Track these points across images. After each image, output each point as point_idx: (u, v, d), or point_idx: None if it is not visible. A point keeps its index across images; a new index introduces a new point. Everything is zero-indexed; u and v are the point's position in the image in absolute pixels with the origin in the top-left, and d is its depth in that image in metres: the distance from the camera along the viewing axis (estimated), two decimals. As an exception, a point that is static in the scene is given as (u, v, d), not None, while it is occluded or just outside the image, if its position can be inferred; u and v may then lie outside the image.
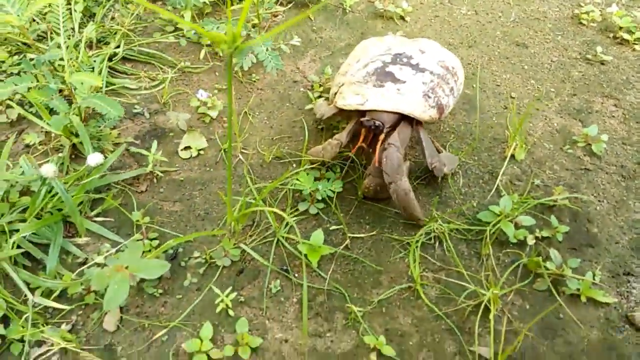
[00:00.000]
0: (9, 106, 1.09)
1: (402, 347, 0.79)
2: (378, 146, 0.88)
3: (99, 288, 0.73)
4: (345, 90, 0.93)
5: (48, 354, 0.77)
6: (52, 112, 1.01)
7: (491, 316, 0.78)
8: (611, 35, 1.38)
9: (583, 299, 0.84)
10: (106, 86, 1.15)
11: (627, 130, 1.13)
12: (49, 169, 0.77)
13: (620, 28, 1.36)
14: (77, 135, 1.01)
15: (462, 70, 1.00)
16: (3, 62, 1.18)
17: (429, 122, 0.92)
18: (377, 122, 0.87)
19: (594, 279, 0.85)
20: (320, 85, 1.20)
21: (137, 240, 0.89)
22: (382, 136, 0.88)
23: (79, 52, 1.14)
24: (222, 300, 0.83)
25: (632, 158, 1.07)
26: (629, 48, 1.35)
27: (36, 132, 1.06)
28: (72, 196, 0.88)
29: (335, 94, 0.97)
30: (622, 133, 1.13)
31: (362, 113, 0.92)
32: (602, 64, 1.30)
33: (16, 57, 1.20)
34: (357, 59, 0.99)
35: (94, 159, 0.87)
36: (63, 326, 0.80)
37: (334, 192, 0.94)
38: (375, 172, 0.89)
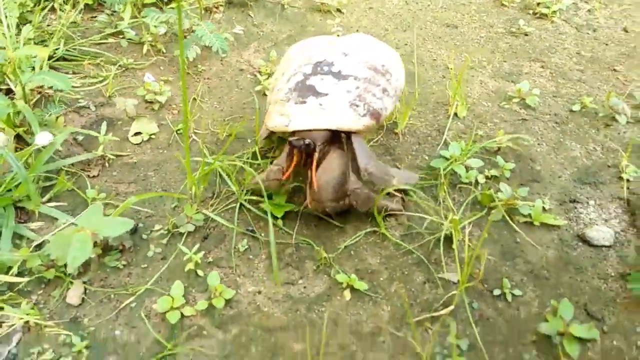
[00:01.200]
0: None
1: (373, 283, 0.80)
2: (313, 166, 0.80)
3: (58, 252, 0.70)
4: (272, 110, 0.87)
5: (9, 331, 0.73)
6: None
7: (455, 243, 0.81)
8: (531, 12, 1.51)
9: (536, 223, 0.89)
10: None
11: (555, 86, 1.23)
12: (42, 138, 0.74)
13: (539, 4, 1.49)
14: (19, 126, 0.98)
15: (397, 65, 0.93)
16: None
17: (365, 131, 0.85)
18: (307, 141, 0.80)
19: (543, 206, 0.90)
20: (267, 69, 1.23)
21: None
22: (315, 155, 0.81)
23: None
24: (190, 259, 0.81)
25: (563, 107, 1.16)
26: (547, 21, 1.47)
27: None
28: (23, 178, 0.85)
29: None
30: (552, 88, 1.22)
31: (293, 132, 0.85)
32: (526, 35, 1.41)
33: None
34: (282, 72, 0.93)
35: (43, 137, 0.86)
36: (23, 305, 0.76)
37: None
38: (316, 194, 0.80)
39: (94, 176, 0.98)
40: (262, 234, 0.87)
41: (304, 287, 0.80)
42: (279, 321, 0.75)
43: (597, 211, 0.93)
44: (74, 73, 1.20)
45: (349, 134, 0.85)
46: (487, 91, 1.21)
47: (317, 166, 0.80)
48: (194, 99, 1.15)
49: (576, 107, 1.15)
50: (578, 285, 0.80)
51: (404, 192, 0.90)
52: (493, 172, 0.96)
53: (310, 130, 0.82)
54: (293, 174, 0.86)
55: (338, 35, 1.06)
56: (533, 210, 0.89)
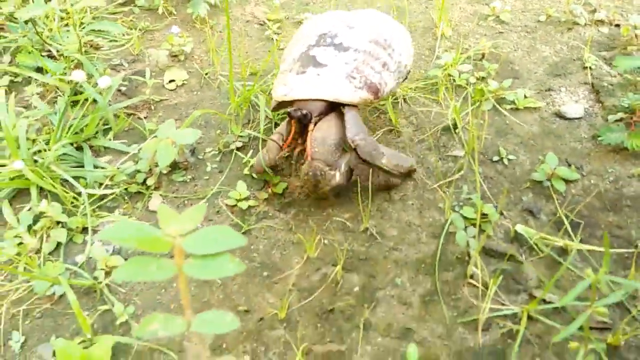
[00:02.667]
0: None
1: (397, 164, 0.98)
2: (309, 135, 0.84)
3: (149, 154, 0.87)
4: (276, 81, 0.90)
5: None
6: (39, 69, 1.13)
7: (459, 124, 1.00)
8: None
9: (520, 107, 1.08)
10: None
11: (523, 3, 1.41)
12: (79, 74, 0.90)
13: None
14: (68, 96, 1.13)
15: (402, 41, 0.93)
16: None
17: (362, 104, 0.87)
18: (304, 112, 0.82)
19: (525, 95, 1.10)
20: (273, 16, 1.39)
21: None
22: (311, 126, 0.84)
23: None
24: (246, 164, 0.99)
25: (531, 19, 1.35)
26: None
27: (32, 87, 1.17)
28: (90, 117, 1.00)
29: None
30: (520, 6, 1.41)
31: (292, 103, 0.88)
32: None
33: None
34: (293, 43, 0.95)
35: (104, 81, 1.01)
36: (116, 213, 0.92)
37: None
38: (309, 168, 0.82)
39: (144, 117, 1.14)
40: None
41: (341, 176, 0.98)
42: (324, 202, 0.93)
43: (568, 95, 1.12)
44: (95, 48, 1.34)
45: (345, 105, 0.86)
46: (466, 14, 1.39)
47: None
48: (213, 49, 1.31)
49: (542, 18, 1.34)
50: (559, 147, 1.00)
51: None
52: (481, 73, 1.15)
53: (308, 100, 0.84)
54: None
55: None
56: (517, 98, 1.08)
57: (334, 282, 0.81)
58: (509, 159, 0.98)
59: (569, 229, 0.84)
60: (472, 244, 0.81)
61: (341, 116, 0.86)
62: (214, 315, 0.57)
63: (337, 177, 0.82)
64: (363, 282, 0.80)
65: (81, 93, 1.11)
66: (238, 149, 1.04)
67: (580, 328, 0.58)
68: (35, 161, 0.95)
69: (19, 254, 0.84)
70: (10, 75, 1.21)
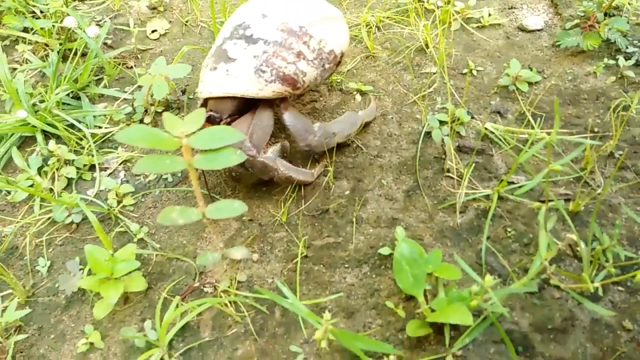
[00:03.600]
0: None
1: (374, 86, 1.06)
2: None
3: (146, 84, 0.94)
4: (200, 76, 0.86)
5: (117, 167, 0.97)
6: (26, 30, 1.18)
7: (429, 44, 1.08)
8: None
9: (486, 25, 1.15)
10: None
11: None
12: (71, 20, 0.95)
13: None
14: (60, 44, 1.18)
15: (326, 26, 0.86)
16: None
17: (278, 97, 0.83)
18: (209, 114, 0.82)
19: (489, 13, 1.17)
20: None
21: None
22: (222, 124, 0.83)
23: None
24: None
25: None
26: None
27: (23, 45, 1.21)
28: (83, 65, 1.06)
29: None
30: None
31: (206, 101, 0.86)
32: None
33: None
34: (219, 34, 0.89)
35: (92, 30, 1.06)
36: (119, 149, 0.99)
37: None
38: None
39: (130, 67, 1.19)
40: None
41: (325, 102, 1.06)
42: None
43: (529, 10, 1.20)
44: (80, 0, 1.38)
45: (274, 103, 0.84)
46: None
47: None
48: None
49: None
50: (522, 56, 1.08)
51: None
52: (447, -3, 1.22)
53: (222, 98, 0.82)
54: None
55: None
56: (482, 16, 1.15)
57: (326, 188, 0.89)
58: (477, 70, 1.06)
59: (532, 122, 0.93)
60: (446, 141, 0.90)
61: (264, 113, 0.82)
62: (224, 204, 0.65)
63: (281, 169, 0.81)
64: (352, 186, 0.89)
65: (73, 41, 1.16)
66: (226, 85, 1.11)
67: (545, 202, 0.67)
68: (36, 111, 1.01)
69: (32, 194, 0.91)
70: (-2, 38, 1.25)
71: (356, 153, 0.94)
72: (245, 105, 0.84)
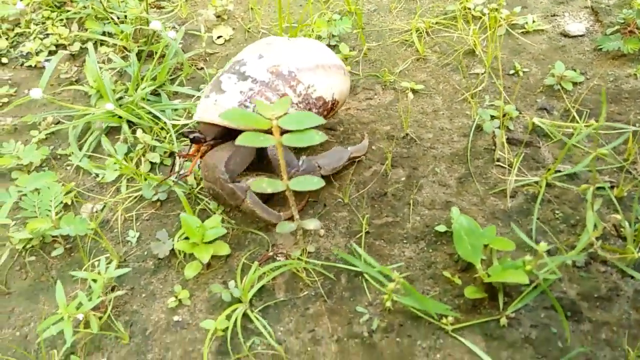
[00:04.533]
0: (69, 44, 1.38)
1: (426, 86, 1.15)
2: (197, 156, 0.91)
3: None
4: None
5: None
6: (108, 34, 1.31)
7: (477, 48, 1.16)
8: None
9: (530, 30, 1.23)
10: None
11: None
12: (156, 24, 1.07)
13: None
14: (141, 45, 1.31)
15: (321, 75, 0.91)
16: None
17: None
18: (193, 135, 0.87)
19: (533, 20, 1.25)
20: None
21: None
22: (202, 148, 0.90)
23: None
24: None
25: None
26: None
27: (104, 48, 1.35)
28: (162, 66, 1.18)
29: None
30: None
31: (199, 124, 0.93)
32: None
33: None
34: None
35: (171, 34, 1.18)
36: (194, 139, 1.10)
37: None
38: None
39: (200, 68, 1.31)
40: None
41: (379, 99, 1.15)
42: (369, 118, 1.10)
43: (571, 18, 1.27)
44: (151, 7, 1.51)
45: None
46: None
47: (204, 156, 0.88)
48: (251, 8, 1.48)
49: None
50: (566, 59, 1.16)
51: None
52: (493, 5, 1.31)
53: (209, 123, 0.89)
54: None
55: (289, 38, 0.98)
56: (526, 22, 1.24)
57: (383, 175, 0.98)
58: (523, 72, 1.14)
59: (577, 117, 1.01)
60: (497, 132, 0.98)
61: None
62: (304, 178, 0.75)
63: (248, 201, 0.85)
64: (407, 173, 0.98)
65: (152, 44, 1.28)
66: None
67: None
68: (120, 105, 1.14)
69: (121, 174, 1.03)
70: (80, 42, 1.39)
71: (410, 145, 1.03)
72: (231, 133, 0.87)
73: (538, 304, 0.76)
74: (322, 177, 0.88)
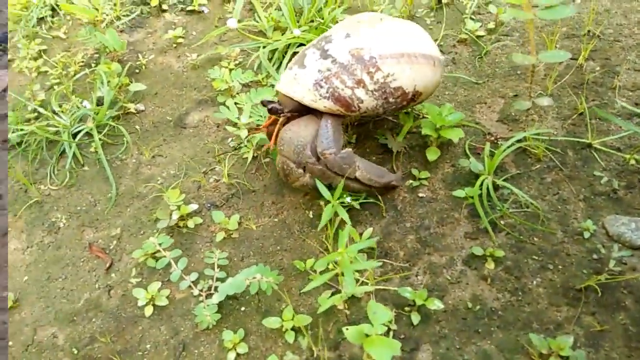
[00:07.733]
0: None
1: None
2: (277, 126, 0.89)
3: None
4: None
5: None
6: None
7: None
8: None
9: None
10: None
11: None
12: (233, 22, 1.17)
13: None
14: None
15: (406, 64, 0.84)
16: None
17: (329, 112, 0.85)
18: (270, 105, 0.85)
19: None
20: None
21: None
22: (281, 119, 0.88)
23: None
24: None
25: None
26: None
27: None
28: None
29: None
30: None
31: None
32: None
33: None
34: None
35: (232, 22, 1.26)
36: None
37: None
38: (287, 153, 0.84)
39: None
40: None
41: None
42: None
43: None
44: None
45: (320, 112, 0.86)
46: None
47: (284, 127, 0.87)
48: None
49: None
50: None
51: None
52: None
53: (289, 97, 0.86)
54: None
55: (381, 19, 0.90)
56: None
57: (578, 66, 1.05)
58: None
59: None
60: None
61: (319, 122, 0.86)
62: (552, 53, 0.82)
63: (306, 178, 0.85)
64: (602, 64, 1.04)
65: None
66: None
67: None
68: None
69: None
70: None
71: (594, 41, 1.09)
72: (308, 108, 0.86)
73: None
74: (361, 183, 0.87)
